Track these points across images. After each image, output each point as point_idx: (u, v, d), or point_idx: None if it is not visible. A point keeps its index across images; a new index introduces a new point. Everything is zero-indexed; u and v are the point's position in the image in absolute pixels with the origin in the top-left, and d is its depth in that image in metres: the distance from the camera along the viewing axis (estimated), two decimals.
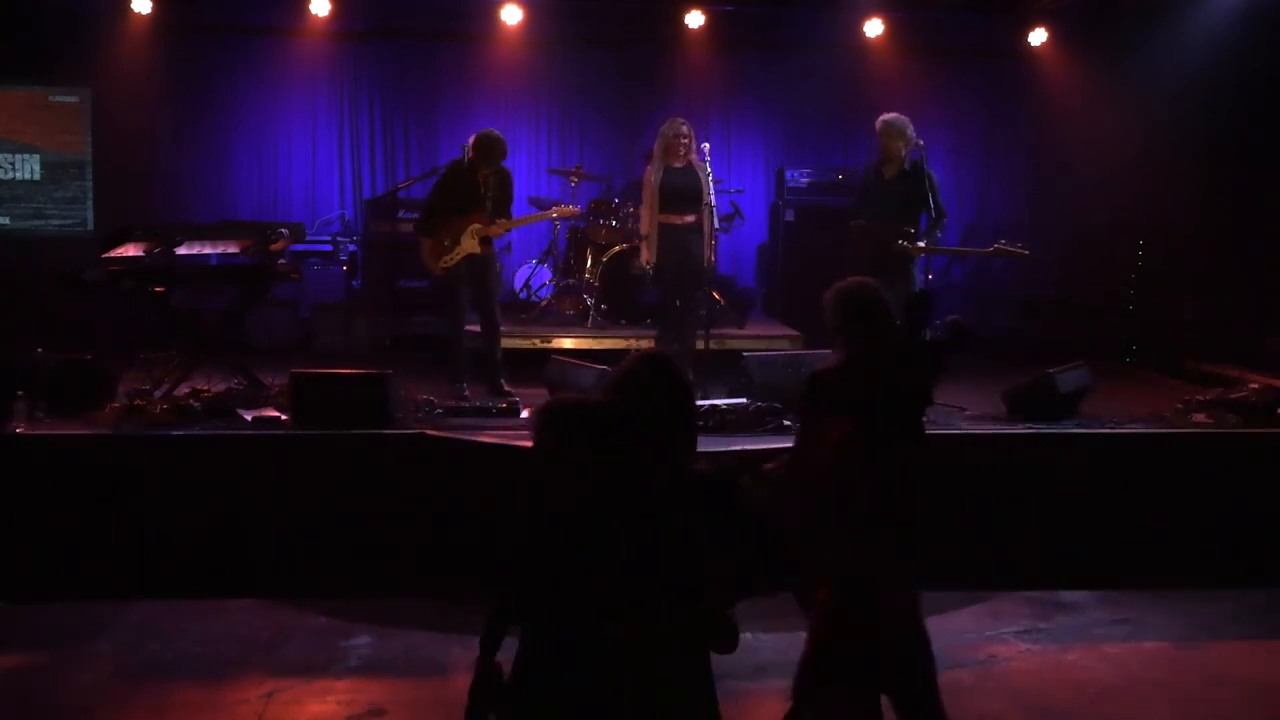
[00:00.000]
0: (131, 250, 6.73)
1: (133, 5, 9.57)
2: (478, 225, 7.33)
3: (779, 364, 6.99)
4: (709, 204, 7.49)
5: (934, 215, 7.37)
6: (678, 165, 7.52)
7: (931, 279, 8.18)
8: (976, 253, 7.33)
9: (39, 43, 9.57)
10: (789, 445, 4.18)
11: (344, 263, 9.87)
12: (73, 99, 10.07)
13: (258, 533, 5.80)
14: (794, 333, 8.77)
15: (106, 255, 6.78)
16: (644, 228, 7.67)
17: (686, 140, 7.48)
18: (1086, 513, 6.08)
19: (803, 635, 3.59)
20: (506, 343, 8.01)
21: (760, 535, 3.12)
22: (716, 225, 7.74)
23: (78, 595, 5.58)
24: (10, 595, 5.59)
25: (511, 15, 9.87)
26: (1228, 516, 6.13)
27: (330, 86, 10.69)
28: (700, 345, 7.60)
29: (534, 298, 9.86)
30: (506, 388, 7.35)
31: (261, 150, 10.62)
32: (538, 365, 7.25)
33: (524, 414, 6.56)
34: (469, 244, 7.32)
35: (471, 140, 7.40)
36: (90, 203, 10.13)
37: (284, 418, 6.15)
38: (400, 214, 9.98)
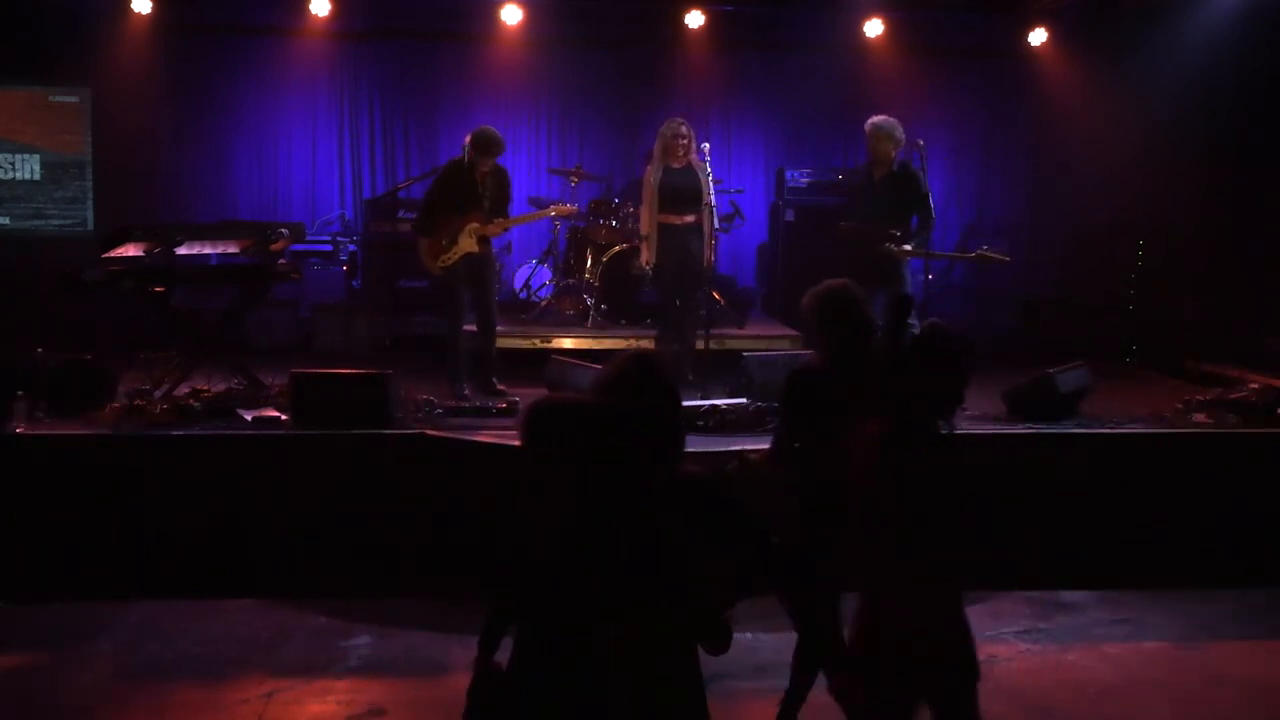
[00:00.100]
0: (131, 250, 6.73)
1: (133, 5, 9.57)
2: (476, 224, 7.33)
3: (779, 364, 6.98)
4: (709, 204, 7.50)
5: (923, 218, 7.39)
6: (677, 165, 7.52)
7: (932, 279, 8.19)
8: (960, 257, 7.36)
9: (39, 43, 9.57)
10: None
11: (344, 263, 9.87)
12: (73, 99, 10.07)
13: (258, 533, 5.80)
14: (794, 333, 8.76)
15: (106, 255, 6.78)
16: (644, 228, 7.68)
17: (685, 141, 7.48)
18: (1086, 513, 6.08)
19: None
20: (506, 343, 8.02)
21: (755, 536, 3.11)
22: (716, 225, 7.75)
23: (78, 595, 5.59)
24: (10, 595, 5.59)
25: (511, 15, 9.87)
26: (1228, 516, 6.13)
27: (330, 86, 10.68)
28: (700, 345, 7.60)
29: (534, 298, 9.86)
30: (500, 386, 7.36)
31: (261, 150, 10.62)
32: (538, 365, 7.25)
33: None
34: (467, 243, 7.32)
35: (469, 138, 7.41)
36: (90, 203, 10.13)
37: (284, 418, 6.15)
38: (400, 214, 9.98)
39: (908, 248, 7.27)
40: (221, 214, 10.00)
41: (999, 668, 5.04)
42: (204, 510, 5.78)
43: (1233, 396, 6.84)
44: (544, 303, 9.56)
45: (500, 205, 7.51)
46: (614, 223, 9.42)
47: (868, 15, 10.00)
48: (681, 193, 7.50)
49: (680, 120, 7.58)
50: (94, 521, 5.70)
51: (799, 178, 10.21)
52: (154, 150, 10.30)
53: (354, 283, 10.02)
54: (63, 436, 5.90)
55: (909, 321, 3.62)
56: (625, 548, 2.71)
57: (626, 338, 8.54)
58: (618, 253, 9.19)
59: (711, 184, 7.52)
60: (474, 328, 7.62)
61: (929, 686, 3.33)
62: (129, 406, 6.30)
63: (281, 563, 5.77)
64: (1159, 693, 4.89)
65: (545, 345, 8.45)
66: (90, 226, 10.00)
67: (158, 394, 6.53)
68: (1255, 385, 6.98)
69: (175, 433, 5.99)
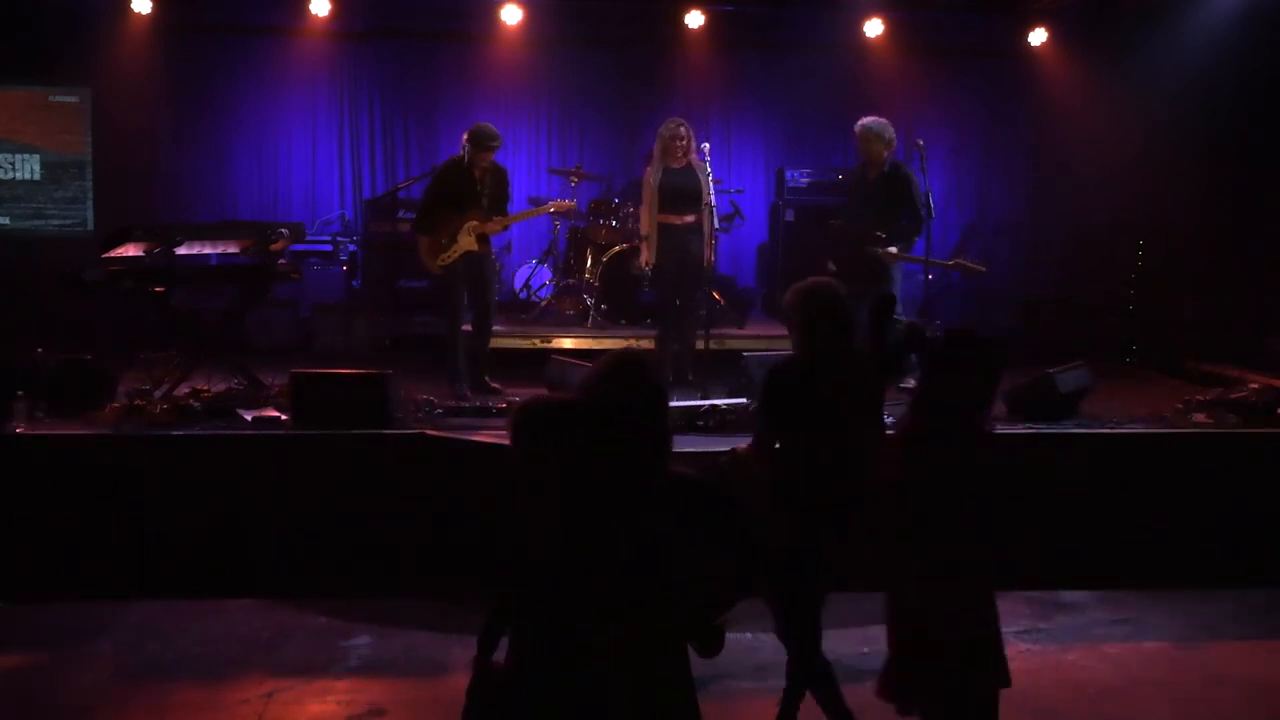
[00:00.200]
0: (131, 250, 6.73)
1: (133, 5, 9.57)
2: (475, 222, 7.33)
3: None
4: (709, 204, 7.50)
5: (910, 220, 7.39)
6: (677, 166, 7.52)
7: (932, 279, 8.20)
8: (938, 264, 7.38)
9: (39, 43, 9.57)
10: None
11: (344, 263, 9.87)
12: (73, 99, 10.07)
13: (258, 533, 5.80)
14: None
15: (106, 255, 6.78)
16: (643, 228, 7.68)
17: (683, 142, 7.48)
18: (1086, 513, 6.08)
19: None
20: (507, 342, 8.01)
21: (745, 537, 3.11)
22: (716, 225, 7.76)
23: (78, 595, 5.59)
24: (10, 595, 5.59)
25: (511, 15, 9.87)
26: (1228, 516, 6.13)
27: (330, 86, 10.69)
28: (700, 345, 7.60)
29: (534, 298, 9.86)
30: (494, 384, 7.36)
31: (261, 150, 10.62)
32: (538, 365, 7.25)
33: None
34: (466, 241, 7.32)
35: (466, 135, 7.42)
36: (90, 203, 10.13)
37: (284, 418, 6.15)
38: (400, 214, 9.98)
39: (892, 250, 7.30)
40: (221, 214, 10.00)
41: None
42: (204, 510, 5.78)
43: (1233, 396, 6.83)
44: (544, 303, 9.56)
45: (499, 204, 7.51)
46: (614, 223, 9.42)
47: (868, 15, 10.00)
48: (681, 193, 7.50)
49: (679, 121, 7.58)
50: (94, 521, 5.70)
51: (799, 178, 10.22)
52: (154, 150, 10.30)
53: (354, 283, 10.02)
54: (63, 436, 5.90)
55: (896, 319, 3.64)
56: (614, 548, 2.71)
57: (626, 338, 8.54)
58: (618, 253, 9.19)
59: (711, 184, 7.52)
60: (469, 327, 7.62)
61: (955, 688, 3.32)
62: (129, 406, 6.30)
63: (281, 563, 5.77)
64: (1159, 693, 4.89)
65: (545, 345, 8.45)
66: (90, 226, 10.00)
67: (158, 394, 6.53)
68: (1255, 385, 6.98)
69: (175, 433, 5.99)
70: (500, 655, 2.88)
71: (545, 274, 10.01)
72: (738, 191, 10.13)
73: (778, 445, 4.14)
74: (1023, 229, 10.94)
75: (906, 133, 10.16)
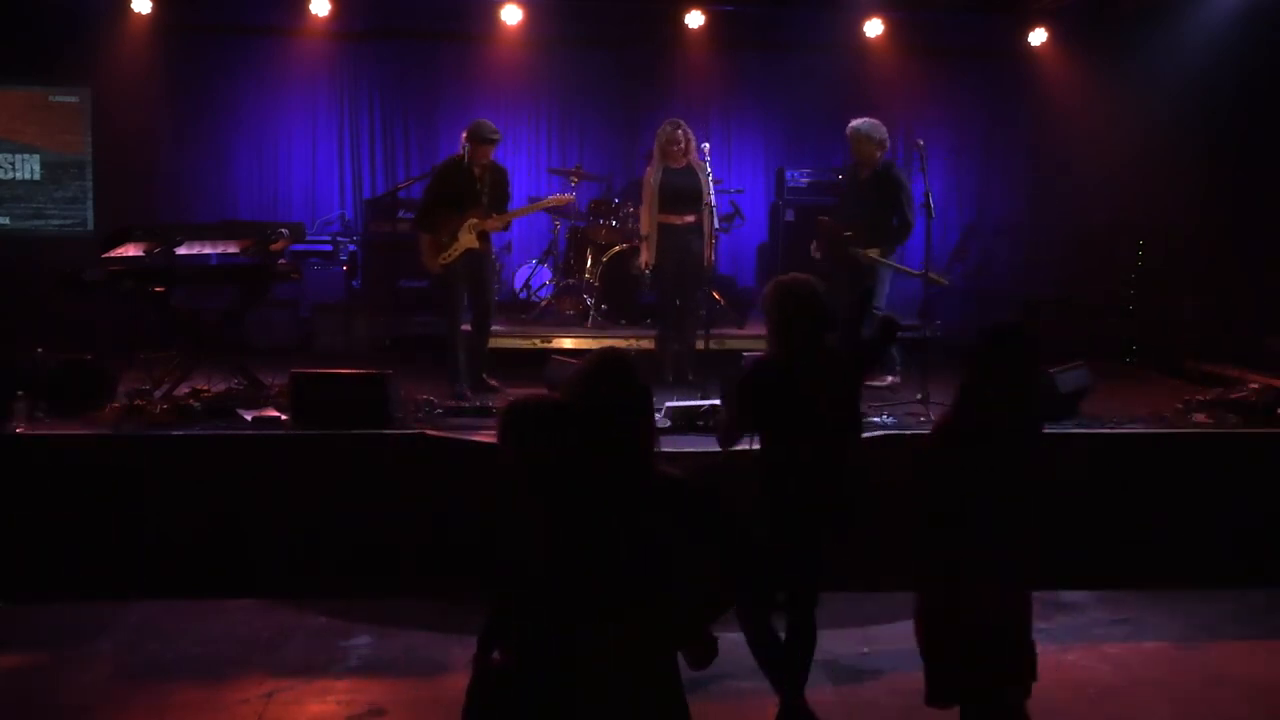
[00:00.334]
0: (131, 250, 6.74)
1: (133, 5, 9.57)
2: (475, 220, 7.33)
3: None
4: (709, 204, 7.50)
5: (898, 223, 7.41)
6: (677, 166, 7.53)
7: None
8: (907, 271, 7.39)
9: (39, 43, 9.57)
10: None
11: (344, 263, 9.86)
12: (73, 99, 10.07)
13: (258, 533, 5.80)
14: None
15: (106, 255, 6.79)
16: (643, 228, 7.69)
17: (681, 144, 7.48)
18: (1086, 513, 6.08)
19: None
20: (507, 342, 8.01)
21: (735, 538, 3.10)
22: (716, 225, 7.76)
23: (78, 595, 5.59)
24: (10, 595, 5.59)
25: (511, 15, 9.87)
26: (1228, 516, 6.13)
27: (330, 86, 10.69)
28: (700, 345, 7.61)
29: (534, 298, 9.86)
30: (492, 381, 7.37)
31: (261, 150, 10.62)
32: (538, 365, 7.25)
33: None
34: (467, 239, 7.33)
35: (464, 133, 7.42)
36: (90, 203, 10.13)
37: (284, 418, 6.15)
38: (400, 214, 9.98)
39: (874, 253, 7.31)
40: (221, 214, 10.00)
41: None
42: (204, 510, 5.78)
43: (1233, 396, 6.83)
44: (544, 303, 9.56)
45: (499, 202, 7.51)
46: (614, 223, 9.43)
47: (868, 15, 10.00)
48: (681, 193, 7.51)
49: (676, 123, 7.57)
50: (94, 521, 5.70)
51: (799, 178, 10.23)
52: (154, 150, 10.30)
53: (354, 283, 10.02)
54: (63, 436, 5.90)
55: (875, 310, 3.64)
56: (603, 548, 2.70)
57: (626, 338, 8.55)
58: (618, 253, 9.19)
59: (711, 184, 7.53)
60: (469, 326, 7.62)
61: (988, 690, 3.31)
62: (129, 406, 6.30)
63: (281, 563, 5.77)
64: (1159, 693, 4.89)
65: (545, 345, 8.45)
66: (90, 226, 10.00)
67: (158, 394, 6.53)
68: (1255, 385, 6.98)
69: (175, 433, 5.99)
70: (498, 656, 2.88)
71: (545, 274, 10.01)
72: (738, 191, 10.14)
73: (760, 445, 4.15)
74: (1023, 229, 10.94)
75: (906, 133, 10.21)
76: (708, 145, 7.73)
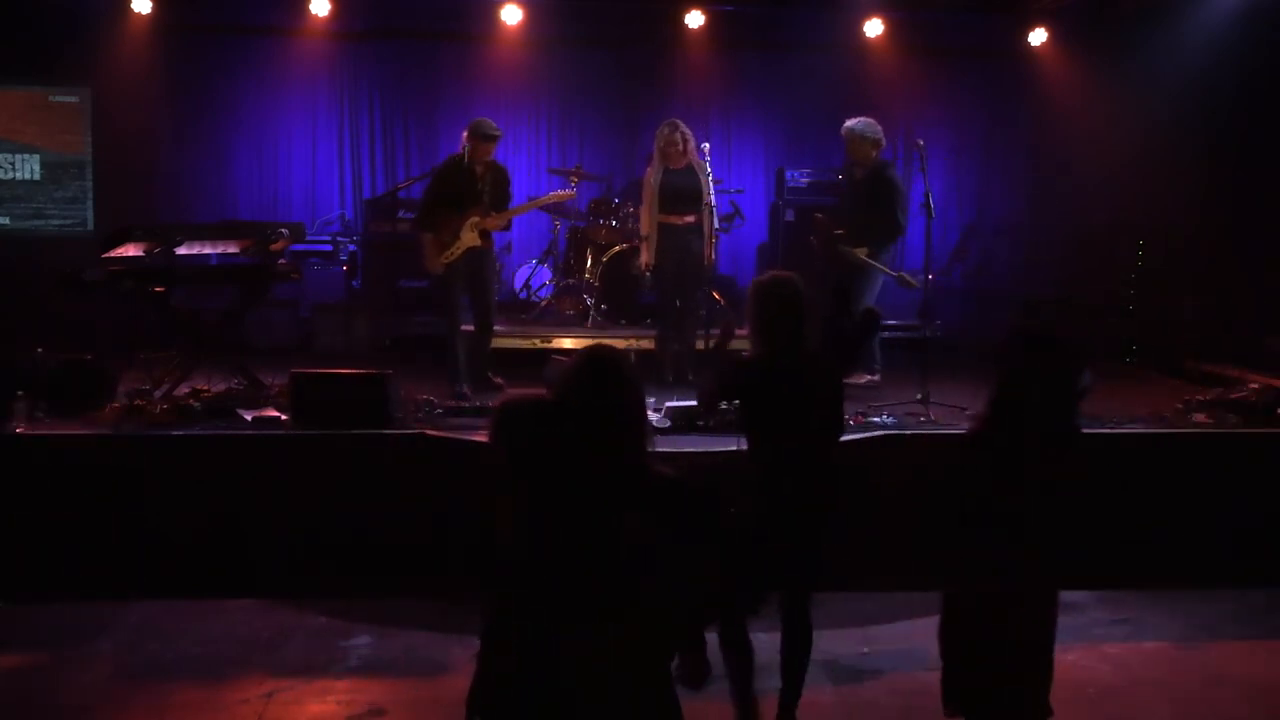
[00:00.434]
0: (131, 250, 6.73)
1: (133, 5, 9.58)
2: (476, 218, 7.34)
3: None
4: (709, 204, 7.50)
5: (888, 223, 7.41)
6: (676, 166, 7.53)
7: (933, 279, 8.19)
8: (884, 270, 7.40)
9: (39, 43, 9.58)
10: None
11: (344, 263, 9.86)
12: (73, 99, 10.07)
13: (258, 533, 5.79)
14: None
15: (106, 255, 6.78)
16: (644, 229, 7.69)
17: (680, 145, 7.48)
18: (1086, 512, 6.07)
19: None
20: (507, 342, 8.01)
21: (726, 539, 3.09)
22: (716, 225, 7.76)
23: (78, 595, 5.58)
24: (10, 595, 5.59)
25: (511, 15, 9.87)
26: (1228, 516, 6.12)
27: (330, 86, 10.69)
28: (700, 345, 7.60)
29: (534, 298, 9.87)
30: (497, 380, 7.36)
31: (261, 150, 10.62)
32: (538, 365, 7.24)
33: None
34: (469, 237, 7.33)
35: (465, 132, 7.42)
36: (90, 203, 10.14)
37: (284, 418, 6.15)
38: (400, 214, 9.98)
39: (861, 251, 7.32)
40: (221, 214, 10.00)
41: None
42: (204, 510, 5.78)
43: (1233, 396, 6.83)
44: (544, 303, 9.56)
45: (500, 202, 7.52)
46: (614, 223, 9.43)
47: (868, 15, 10.01)
48: (681, 193, 7.51)
49: (674, 123, 7.56)
50: (94, 521, 5.69)
51: (799, 178, 10.23)
52: (154, 150, 10.31)
53: (354, 283, 10.02)
54: (63, 436, 5.89)
55: (851, 308, 3.64)
56: (595, 548, 2.70)
57: (626, 338, 8.54)
58: (618, 253, 9.19)
59: (711, 184, 7.53)
60: (471, 326, 7.62)
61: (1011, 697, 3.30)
62: (129, 406, 6.30)
63: (281, 563, 5.76)
64: (1159, 693, 4.89)
65: (545, 345, 8.45)
66: (90, 226, 10.00)
67: (158, 394, 6.53)
68: (1255, 385, 6.98)
69: (175, 433, 5.98)
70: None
71: (545, 274, 10.01)
72: (738, 191, 10.14)
73: (745, 445, 4.16)
74: (1023, 229, 10.94)
75: (906, 133, 10.22)
76: (708, 145, 7.73)
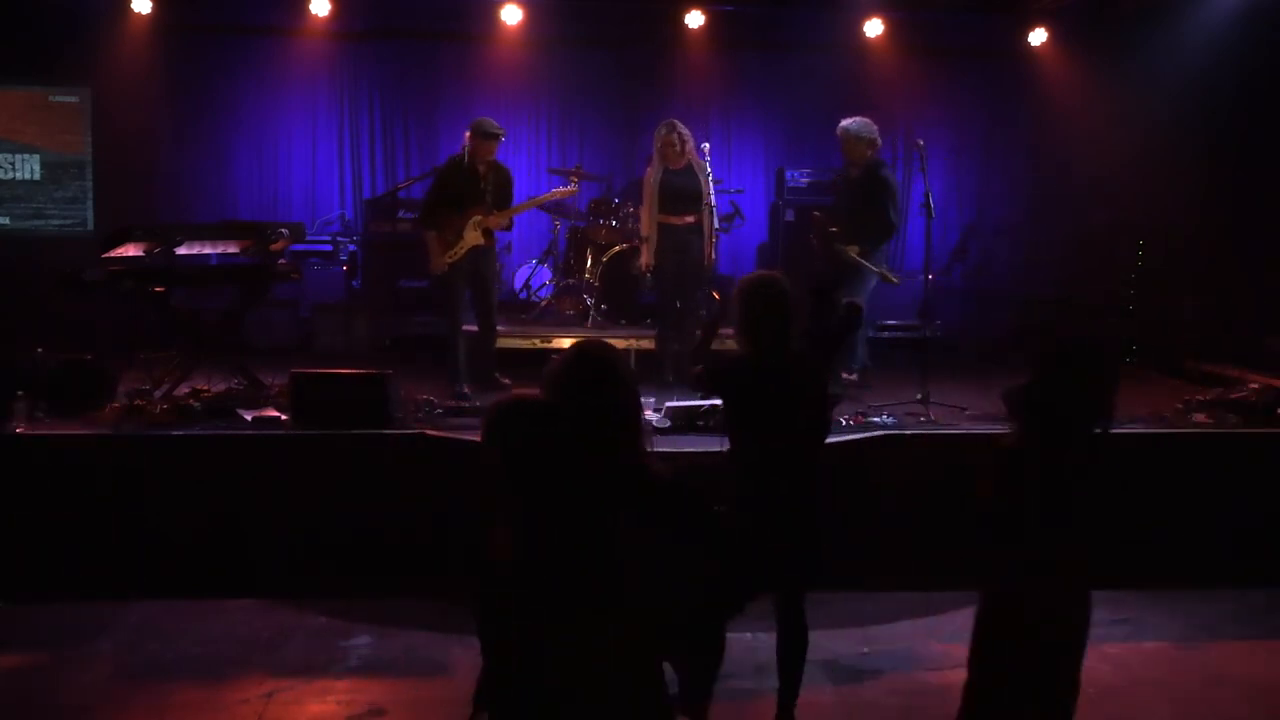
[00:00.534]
0: (131, 250, 6.73)
1: (133, 5, 9.57)
2: (479, 217, 7.35)
3: None
4: (709, 204, 7.51)
5: (882, 222, 7.42)
6: (676, 167, 7.53)
7: (933, 279, 8.20)
8: (869, 267, 7.40)
9: (39, 43, 9.57)
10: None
11: (344, 263, 9.87)
12: (73, 99, 10.08)
13: (258, 533, 5.79)
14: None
15: (106, 255, 6.78)
16: (644, 229, 7.69)
17: (677, 145, 7.49)
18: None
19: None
20: (507, 342, 8.00)
21: (720, 538, 3.07)
22: (716, 225, 7.76)
23: (78, 595, 5.58)
24: (10, 595, 5.59)
25: (511, 15, 9.87)
26: (1228, 516, 6.12)
27: (330, 86, 10.69)
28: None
29: (534, 298, 9.87)
30: (504, 379, 7.37)
31: (261, 150, 10.62)
32: (538, 365, 7.20)
33: None
34: (472, 236, 7.35)
35: (467, 132, 7.43)
36: (90, 203, 10.14)
37: (284, 418, 6.15)
38: (400, 214, 9.98)
39: (853, 249, 7.33)
40: (221, 214, 10.01)
41: None
42: (204, 510, 5.78)
43: (1233, 396, 6.83)
44: (544, 303, 9.56)
45: (503, 202, 7.54)
46: (614, 223, 9.42)
47: (868, 15, 10.00)
48: (681, 193, 7.51)
49: (671, 124, 7.56)
50: (94, 521, 5.69)
51: (799, 178, 10.24)
52: (154, 150, 10.30)
53: (354, 283, 10.02)
54: (63, 436, 5.89)
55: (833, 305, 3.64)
56: (591, 548, 2.69)
57: (626, 338, 8.53)
58: (618, 253, 9.19)
59: (711, 184, 7.53)
60: (474, 326, 7.62)
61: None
62: (129, 406, 6.30)
63: (281, 563, 5.76)
64: (1159, 693, 4.89)
65: (545, 345, 8.45)
66: (90, 226, 10.01)
67: (158, 394, 6.53)
68: (1255, 385, 6.98)
69: (175, 433, 5.98)
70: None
71: (545, 274, 10.01)
72: (738, 191, 10.14)
73: (729, 444, 4.16)
74: (1023, 229, 10.94)
75: (906, 133, 10.22)
76: (708, 145, 7.73)
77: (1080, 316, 9.63)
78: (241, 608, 5.58)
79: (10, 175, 10.01)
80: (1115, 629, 5.54)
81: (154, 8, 9.65)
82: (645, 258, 7.66)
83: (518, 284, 10.07)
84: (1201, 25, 9.34)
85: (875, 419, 6.50)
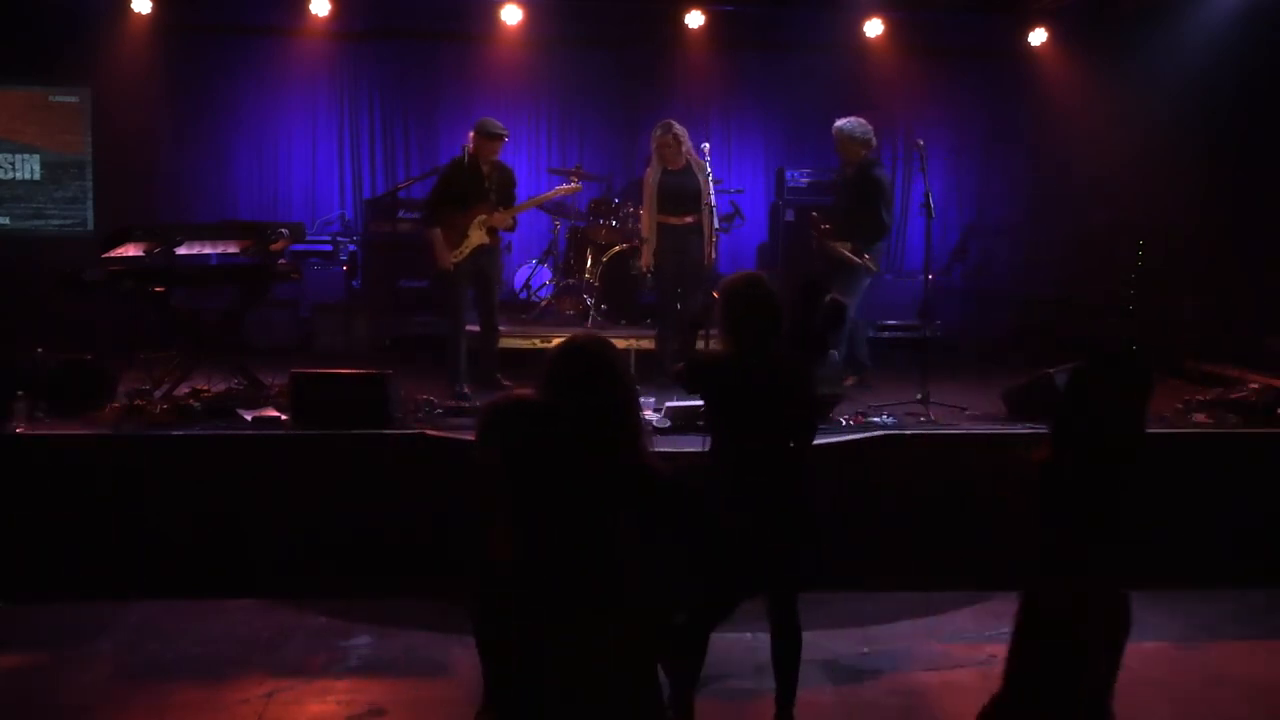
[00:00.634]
0: (131, 250, 6.73)
1: (133, 5, 9.58)
2: (484, 216, 7.35)
3: None
4: (709, 204, 7.51)
5: (874, 221, 7.42)
6: (675, 167, 7.53)
7: (933, 279, 8.21)
8: (855, 260, 7.42)
9: (39, 43, 9.58)
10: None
11: (344, 263, 9.87)
12: (73, 99, 10.08)
13: (258, 533, 5.79)
14: None
15: (106, 255, 6.78)
16: (644, 230, 7.69)
17: (675, 145, 7.49)
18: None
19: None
20: (507, 342, 8.00)
21: (715, 537, 3.07)
22: (716, 225, 7.76)
23: (78, 595, 5.58)
24: (10, 595, 5.59)
25: (511, 15, 9.87)
26: (1228, 516, 6.12)
27: (330, 86, 10.69)
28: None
29: (534, 298, 9.87)
30: (505, 381, 7.37)
31: (261, 150, 10.62)
32: (538, 365, 7.22)
33: None
34: (477, 235, 7.36)
35: (471, 133, 7.43)
36: (90, 203, 10.14)
37: (284, 418, 6.15)
38: (400, 214, 9.98)
39: (845, 247, 7.34)
40: (221, 214, 10.01)
41: (1000, 668, 5.03)
42: (204, 510, 5.78)
43: (1233, 396, 6.83)
44: (544, 303, 9.56)
45: (507, 200, 7.54)
46: (614, 223, 9.43)
47: (868, 15, 10.00)
48: (681, 193, 7.51)
49: (667, 124, 7.56)
50: (94, 521, 5.69)
51: (799, 178, 10.24)
52: (154, 150, 10.31)
53: (354, 283, 10.02)
54: (63, 436, 5.89)
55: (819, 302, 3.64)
56: (588, 548, 2.69)
57: (626, 338, 8.53)
58: (618, 253, 9.19)
59: (711, 184, 7.53)
60: (476, 327, 7.62)
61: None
62: (129, 406, 6.30)
63: (281, 563, 5.76)
64: (1159, 693, 4.88)
65: (545, 345, 8.42)
66: (90, 226, 10.01)
67: (158, 394, 6.53)
68: (1255, 385, 6.97)
69: (175, 433, 5.98)
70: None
71: (545, 274, 10.01)
72: (738, 191, 10.14)
73: (711, 444, 4.16)
74: (1023, 229, 10.94)
75: (906, 133, 10.22)
76: (708, 145, 7.73)
77: (1080, 316, 9.63)
78: (241, 608, 5.58)
79: (10, 175, 10.01)
80: None
81: (154, 8, 9.65)
82: (646, 259, 7.66)
83: (518, 284, 10.07)
84: (1201, 25, 9.34)
85: (875, 419, 6.50)
